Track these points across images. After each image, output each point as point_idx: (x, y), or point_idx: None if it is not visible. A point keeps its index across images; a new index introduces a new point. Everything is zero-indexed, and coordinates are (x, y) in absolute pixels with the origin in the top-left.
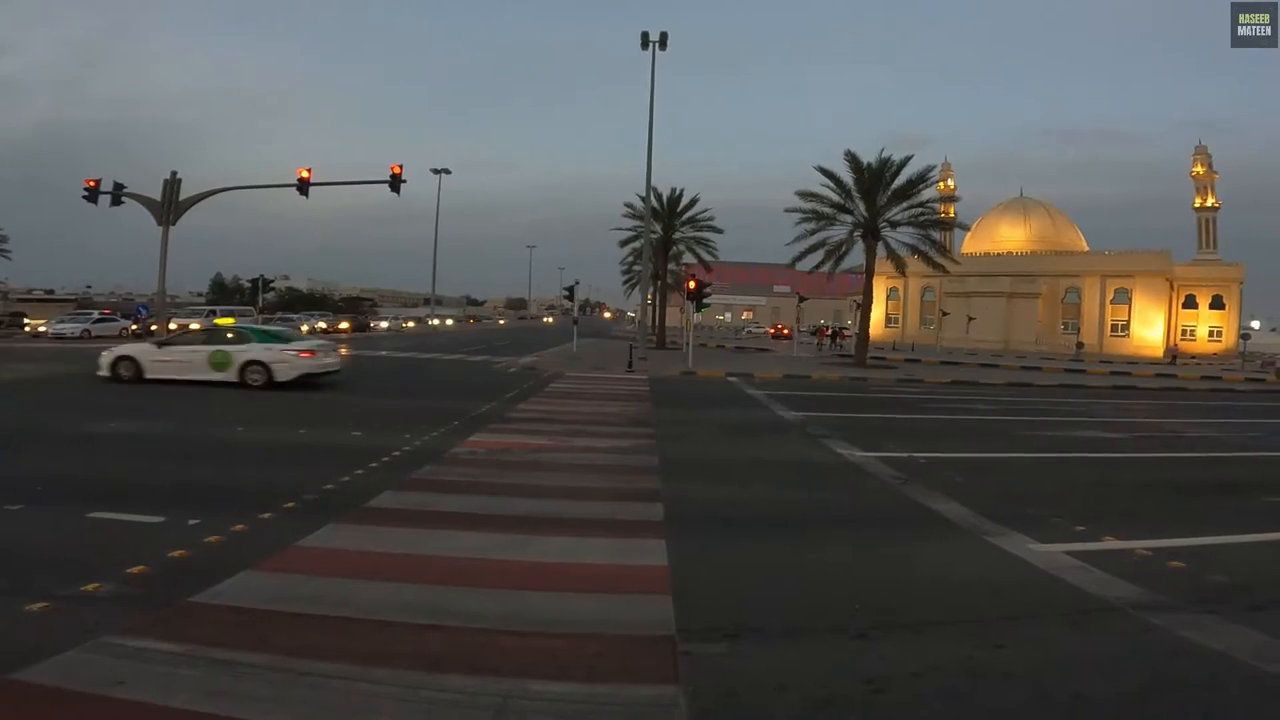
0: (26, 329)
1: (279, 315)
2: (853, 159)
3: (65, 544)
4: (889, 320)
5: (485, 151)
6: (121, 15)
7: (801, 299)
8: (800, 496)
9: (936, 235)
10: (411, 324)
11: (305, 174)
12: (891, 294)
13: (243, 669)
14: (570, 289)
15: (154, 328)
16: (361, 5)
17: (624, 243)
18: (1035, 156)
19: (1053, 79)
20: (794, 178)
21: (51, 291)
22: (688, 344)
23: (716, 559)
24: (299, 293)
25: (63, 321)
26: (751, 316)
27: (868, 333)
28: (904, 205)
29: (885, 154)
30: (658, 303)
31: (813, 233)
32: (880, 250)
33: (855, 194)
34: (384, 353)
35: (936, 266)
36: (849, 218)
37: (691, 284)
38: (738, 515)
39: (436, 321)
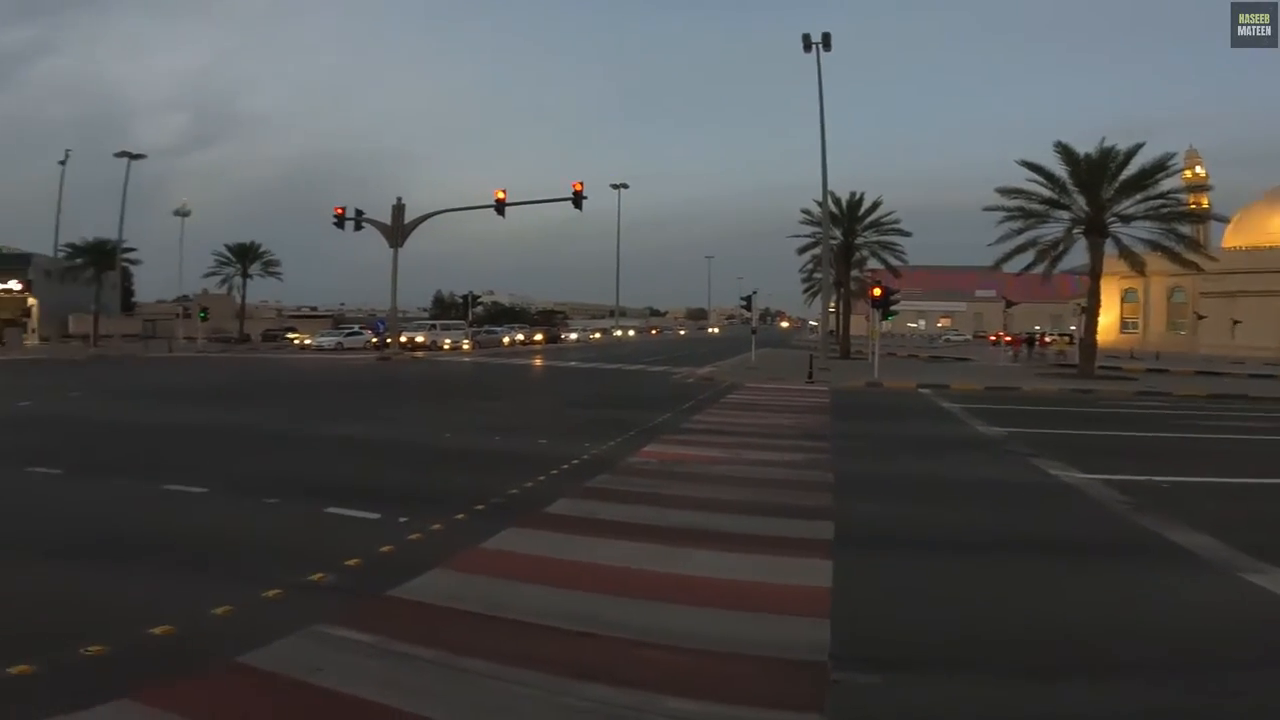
0: (294, 341)
1: (485, 328)
2: (1065, 150)
3: (305, 535)
4: (1125, 325)
5: (664, 163)
6: (346, 55)
7: (1009, 304)
8: (995, 520)
9: (1185, 229)
10: (598, 335)
11: (501, 195)
12: (1128, 296)
13: (416, 662)
14: (748, 299)
15: (388, 340)
16: (537, 27)
17: (802, 250)
18: None
19: None
20: (990, 175)
21: (315, 308)
22: (873, 353)
23: (886, 583)
24: (502, 306)
25: (322, 335)
26: (950, 324)
27: (1095, 340)
28: (1138, 198)
29: (1108, 144)
30: (840, 311)
31: (1019, 232)
32: (1109, 248)
33: (1071, 188)
34: (572, 363)
35: (1186, 264)
36: (1065, 214)
37: (876, 290)
38: (917, 538)
39: (620, 333)
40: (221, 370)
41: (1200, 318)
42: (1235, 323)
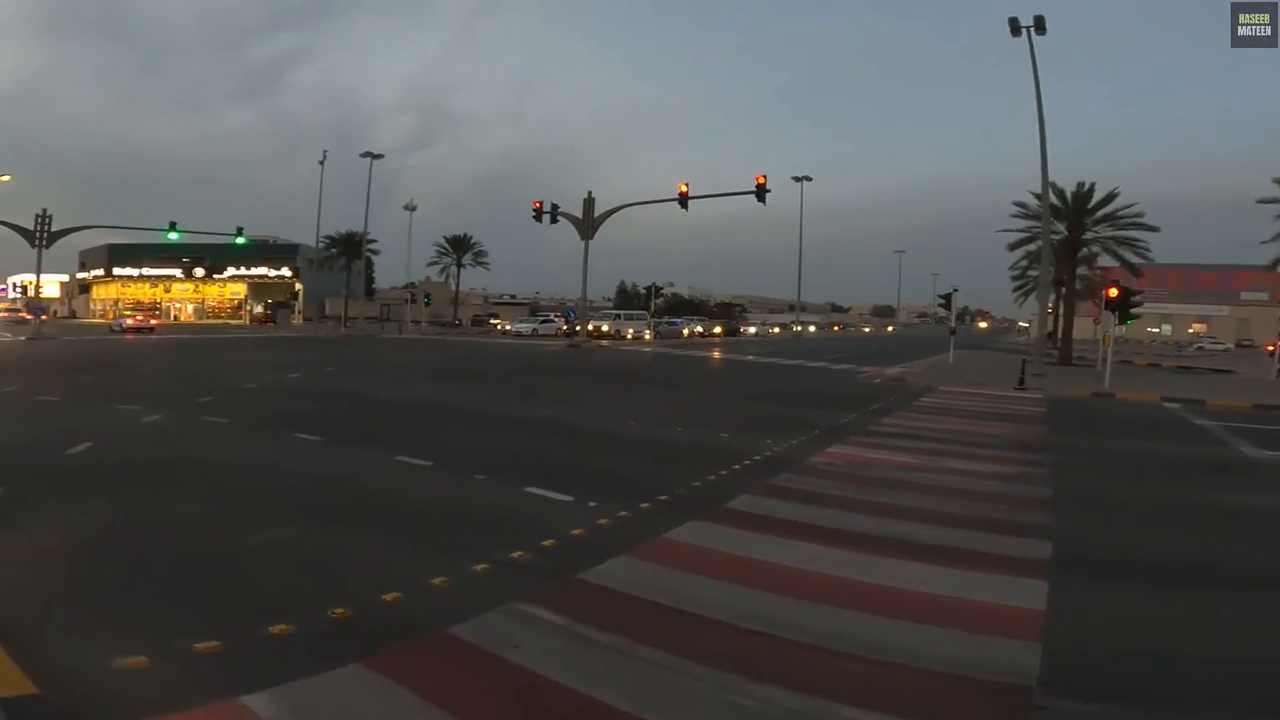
0: (497, 327)
1: (665, 319)
2: None
3: (508, 512)
4: None
5: (850, 155)
6: (541, 53)
7: None
8: (1246, 553)
9: None
10: (776, 330)
11: (683, 188)
12: None
13: (597, 646)
14: (947, 296)
15: (577, 328)
16: (720, 20)
17: (1014, 245)
18: None
19: None
20: (1267, 163)
21: (514, 296)
22: (1104, 360)
23: (1107, 610)
24: (681, 298)
25: (519, 322)
26: (1205, 329)
27: None
28: None
29: None
30: (1061, 312)
31: None
32: None
33: None
34: (751, 357)
35: None
36: None
37: (1113, 291)
38: (1148, 565)
39: (799, 328)
40: (439, 351)
41: None
42: None
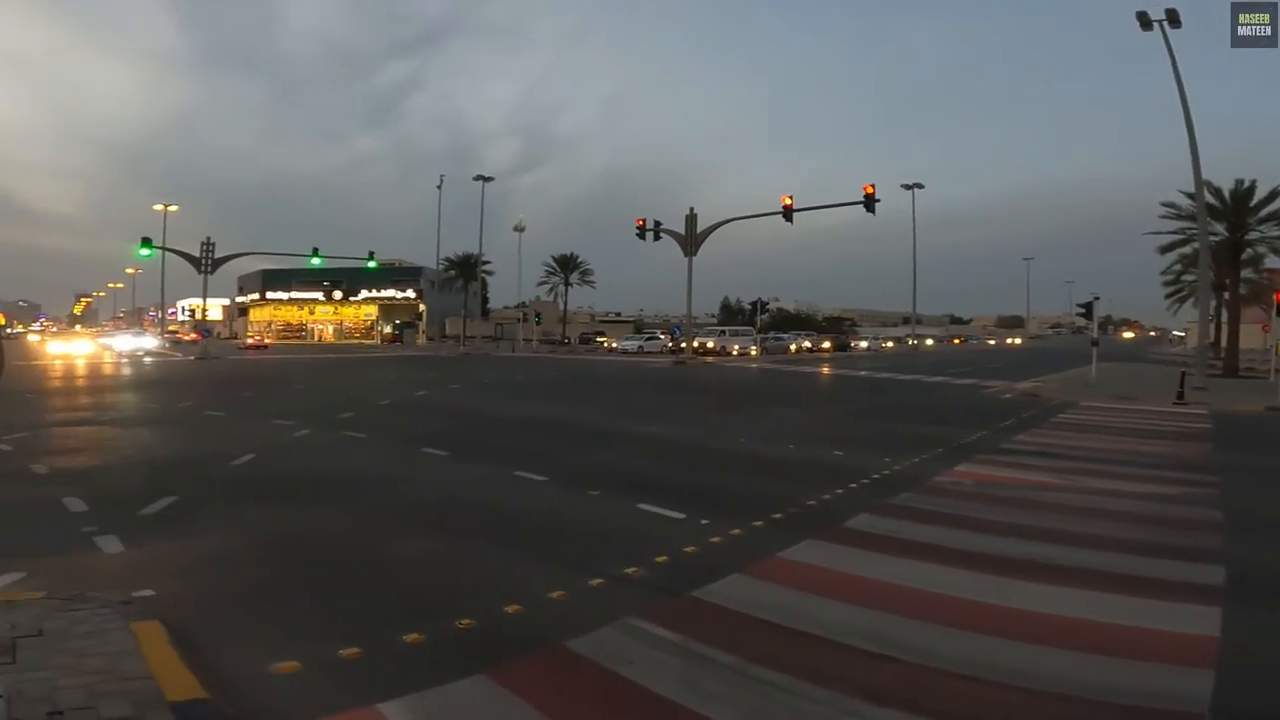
0: (603, 344)
1: (771, 334)
2: None
3: (621, 528)
4: None
5: (970, 158)
6: (636, 72)
7: None
8: None
9: None
10: (890, 344)
11: (788, 201)
12: None
13: (713, 665)
14: (1087, 305)
15: (683, 345)
16: (825, 26)
17: (1165, 249)
18: None
19: None
20: None
21: (619, 314)
22: (1278, 371)
23: None
24: (787, 313)
25: (625, 340)
26: None
27: None
28: None
29: None
30: (1224, 319)
31: None
32: None
33: None
34: (863, 373)
35: None
36: None
37: None
38: None
39: (915, 341)
40: (550, 369)
41: None
42: None
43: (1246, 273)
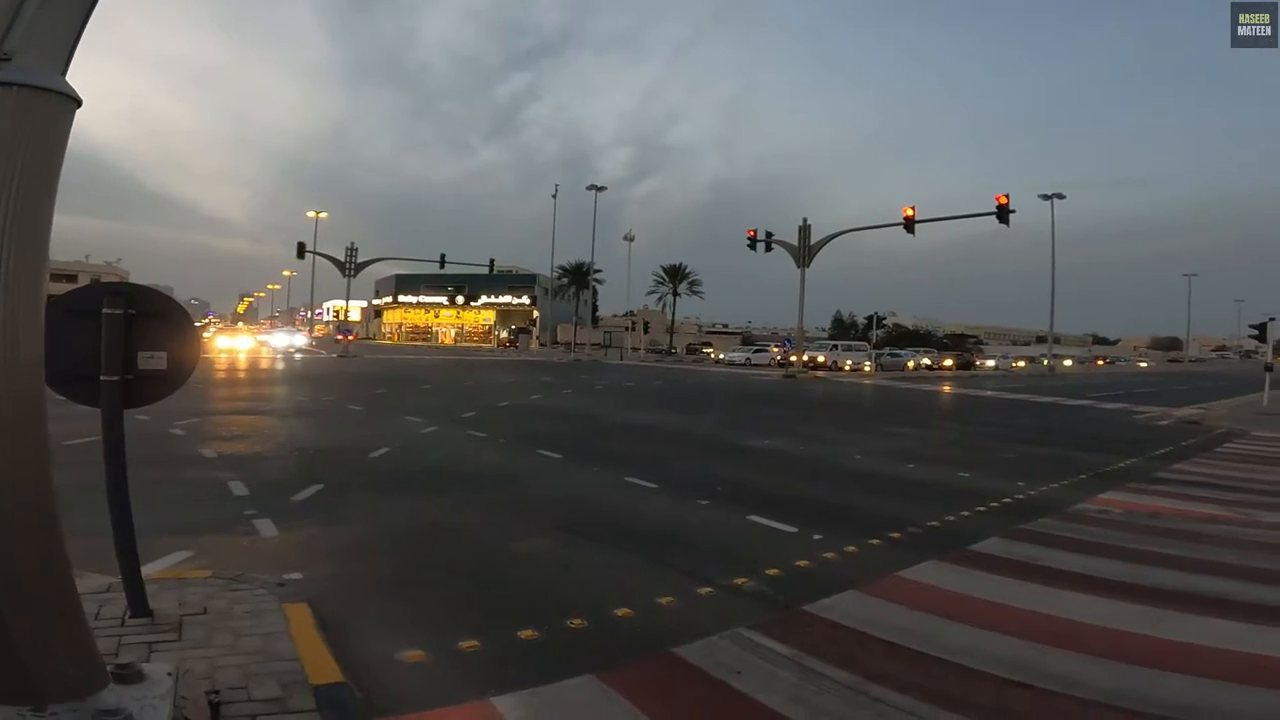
0: (710, 355)
1: (888, 350)
2: None
3: (730, 538)
4: None
5: (1117, 169)
6: (750, 81)
7: None
8: None
9: None
10: (1021, 363)
11: (910, 212)
12: None
13: (825, 682)
14: (1260, 326)
15: (792, 358)
16: (954, 33)
17: None
18: None
19: None
20: None
21: (726, 325)
22: None
23: None
24: (905, 329)
25: (733, 351)
26: None
27: None
28: None
29: None
30: None
31: None
32: None
33: None
34: (989, 393)
35: None
36: None
37: None
38: None
39: (1050, 361)
40: (658, 377)
41: None
42: None
43: None
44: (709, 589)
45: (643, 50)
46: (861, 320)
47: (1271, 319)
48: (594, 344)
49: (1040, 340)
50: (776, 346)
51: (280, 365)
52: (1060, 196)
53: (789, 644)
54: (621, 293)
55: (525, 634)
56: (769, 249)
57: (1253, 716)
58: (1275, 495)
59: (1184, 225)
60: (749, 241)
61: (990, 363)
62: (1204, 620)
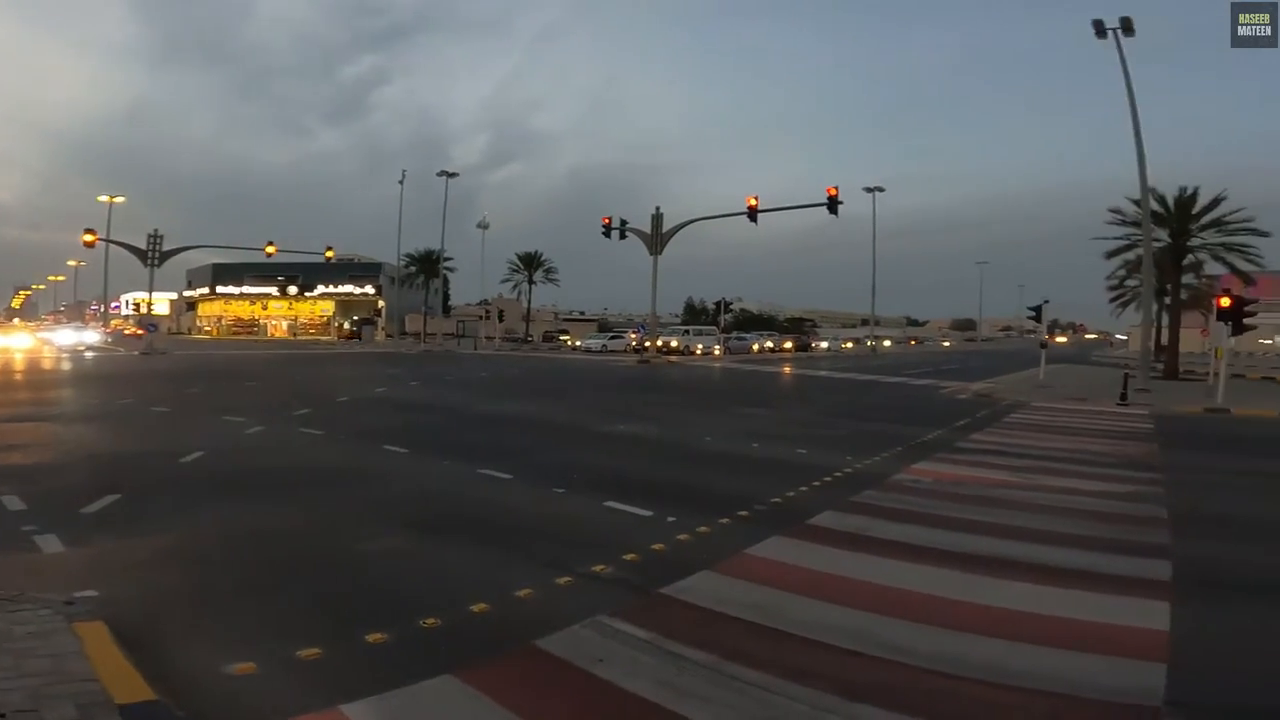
0: (566, 343)
1: (734, 334)
2: None
3: (588, 526)
4: None
5: (930, 166)
6: (614, 70)
7: None
8: None
9: None
10: (849, 345)
11: (753, 202)
12: None
13: (686, 664)
14: (1036, 308)
15: (647, 344)
16: (796, 33)
17: (1110, 254)
18: None
19: None
20: None
21: (583, 313)
22: (1217, 374)
23: (1232, 632)
24: (750, 314)
25: (589, 338)
26: None
27: None
28: None
29: None
30: (1165, 323)
31: None
32: None
33: None
34: (824, 373)
35: None
36: None
37: (1224, 300)
38: (1274, 585)
39: (874, 342)
40: (513, 367)
41: None
42: None
43: (1187, 278)
44: (568, 578)
45: (504, 35)
46: (711, 306)
47: (1046, 301)
48: (446, 334)
49: (865, 323)
50: (633, 333)
51: (68, 365)
52: (880, 190)
53: (649, 628)
54: (476, 281)
55: (373, 638)
56: (623, 236)
57: (1042, 675)
58: (1053, 460)
59: (982, 218)
60: (604, 229)
61: (824, 344)
62: (1003, 583)
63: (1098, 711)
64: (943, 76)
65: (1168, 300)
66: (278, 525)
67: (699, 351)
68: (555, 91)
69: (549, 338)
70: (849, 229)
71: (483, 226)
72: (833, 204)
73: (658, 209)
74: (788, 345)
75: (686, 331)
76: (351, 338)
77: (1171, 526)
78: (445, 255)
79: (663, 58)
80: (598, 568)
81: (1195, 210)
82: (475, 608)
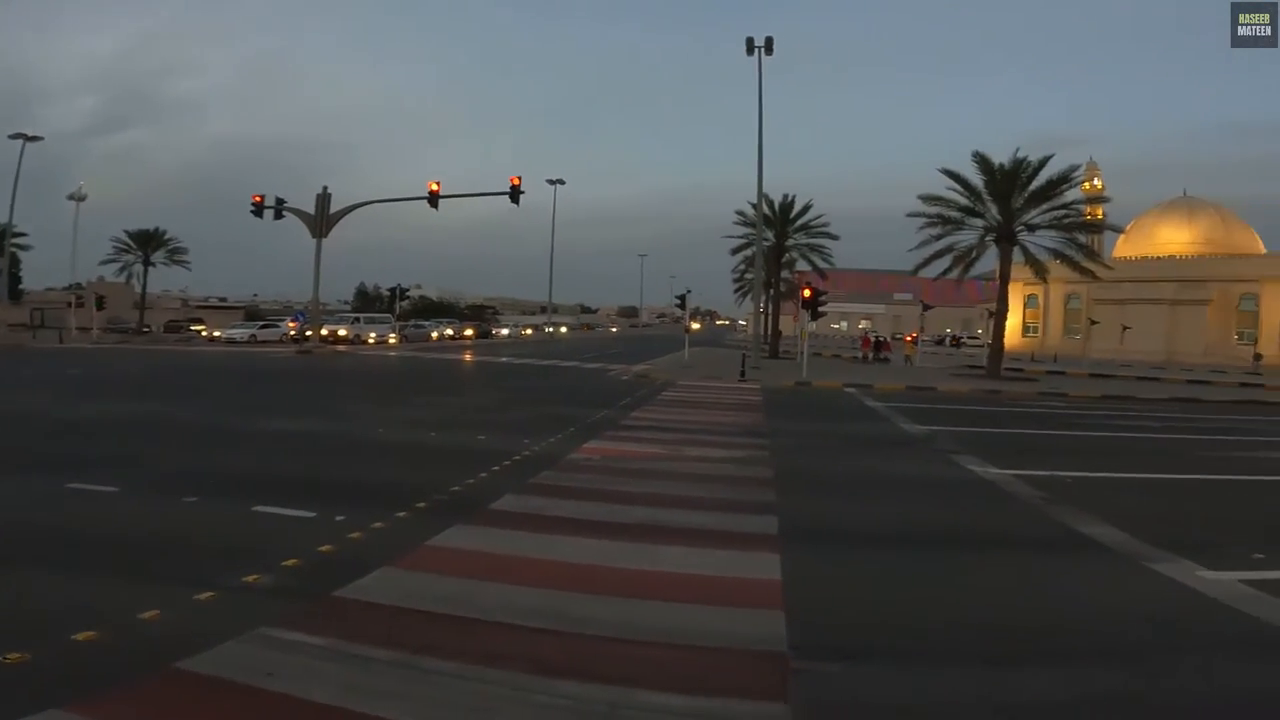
0: (201, 333)
1: (412, 322)
2: (982, 160)
3: (232, 536)
4: (1026, 329)
5: (602, 162)
6: (287, 38)
7: (926, 307)
8: (927, 514)
9: (1083, 238)
10: (529, 331)
11: (435, 187)
12: (1030, 301)
13: (375, 665)
14: (681, 297)
15: (308, 333)
16: (483, 21)
17: (735, 250)
18: (1206, 158)
19: (1230, 73)
20: (919, 183)
21: (224, 300)
22: (802, 354)
23: (833, 576)
24: (430, 301)
25: (234, 328)
26: (870, 325)
27: (1002, 343)
28: (1044, 207)
29: (1021, 155)
30: (771, 311)
31: (938, 238)
32: (1017, 255)
33: (986, 197)
34: (505, 359)
35: (1084, 272)
36: (979, 222)
37: (806, 292)
38: (857, 532)
39: (551, 329)
40: (122, 363)
41: (1093, 323)
42: (1125, 329)
43: (785, 273)
44: (210, 593)
45: None
46: (386, 292)
47: (689, 291)
48: (15, 324)
49: (544, 310)
50: (291, 321)
51: None
52: (561, 182)
53: (324, 634)
54: (66, 263)
55: None
56: (279, 216)
57: (698, 631)
58: (693, 432)
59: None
60: (254, 208)
61: (505, 331)
62: (658, 548)
63: (741, 661)
64: (616, 78)
65: (772, 291)
66: None
67: (372, 340)
68: (208, 56)
69: (175, 327)
70: (535, 220)
71: (77, 198)
72: (515, 193)
73: (325, 189)
74: (469, 333)
75: (357, 319)
76: None
77: (776, 485)
78: (17, 230)
79: (350, 31)
80: (250, 578)
81: (792, 215)
82: (79, 636)
